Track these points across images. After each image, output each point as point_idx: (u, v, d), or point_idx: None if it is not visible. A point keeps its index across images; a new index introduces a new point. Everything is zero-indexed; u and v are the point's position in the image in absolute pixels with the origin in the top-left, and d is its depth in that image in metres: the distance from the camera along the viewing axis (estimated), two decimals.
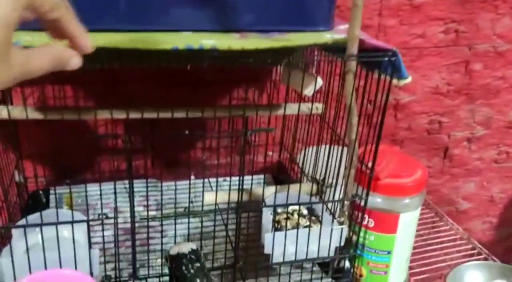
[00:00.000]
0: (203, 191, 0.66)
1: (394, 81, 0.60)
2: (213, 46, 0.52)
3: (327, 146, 0.70)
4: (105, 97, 0.89)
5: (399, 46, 1.04)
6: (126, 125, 0.88)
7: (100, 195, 0.59)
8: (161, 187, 0.66)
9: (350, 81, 0.60)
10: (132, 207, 0.59)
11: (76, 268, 0.59)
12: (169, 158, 0.99)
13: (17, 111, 0.62)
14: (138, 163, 0.97)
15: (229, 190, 0.65)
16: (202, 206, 0.66)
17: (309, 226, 0.68)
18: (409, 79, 0.60)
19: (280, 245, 0.66)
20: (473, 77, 1.15)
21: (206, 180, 0.95)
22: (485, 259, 0.84)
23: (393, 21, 1.02)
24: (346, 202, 0.67)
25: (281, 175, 1.00)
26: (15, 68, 0.29)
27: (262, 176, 0.99)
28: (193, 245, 0.55)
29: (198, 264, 0.53)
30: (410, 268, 0.81)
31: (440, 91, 1.14)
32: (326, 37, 0.59)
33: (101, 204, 0.59)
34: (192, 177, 0.99)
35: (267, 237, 0.65)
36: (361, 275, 0.74)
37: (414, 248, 0.86)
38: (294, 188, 0.74)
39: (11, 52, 0.28)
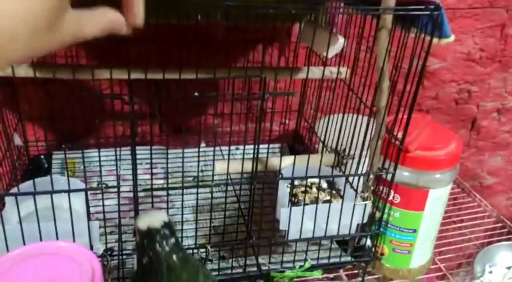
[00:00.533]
0: (214, 160, 0.60)
1: (435, 40, 0.52)
2: None
3: (350, 115, 0.63)
4: (108, 58, 0.82)
5: None
6: (132, 88, 0.81)
7: (99, 161, 0.54)
8: (167, 154, 0.60)
9: (384, 39, 0.53)
10: (134, 175, 0.53)
11: (74, 240, 0.54)
12: (178, 124, 0.93)
13: None
14: (145, 129, 0.92)
15: (243, 159, 0.59)
16: (213, 175, 0.60)
17: (329, 201, 0.62)
18: (452, 38, 0.52)
19: (297, 221, 0.60)
20: (508, 43, 1.06)
21: (217, 148, 0.89)
22: None
23: None
24: (371, 176, 0.61)
25: (297, 144, 0.93)
26: (66, 33, 0.26)
27: (277, 145, 0.93)
28: (164, 216, 0.48)
29: (173, 240, 0.48)
30: (435, 246, 0.75)
31: (472, 58, 1.05)
32: None
33: (101, 171, 0.53)
34: (203, 144, 0.93)
35: (283, 212, 0.60)
36: (382, 254, 0.69)
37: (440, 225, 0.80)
38: (312, 159, 0.68)
39: (65, 18, 0.25)
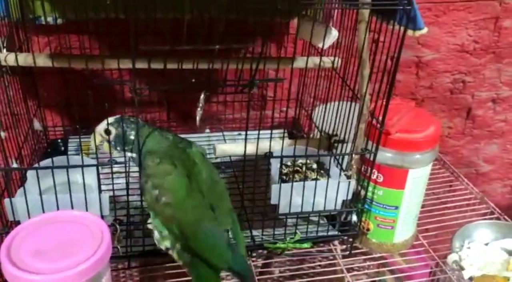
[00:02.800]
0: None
1: (410, 32, 0.58)
2: None
3: (343, 102, 0.69)
4: (118, 50, 0.89)
5: (424, 0, 1.00)
6: (141, 78, 0.88)
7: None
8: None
9: (362, 31, 0.58)
10: (139, 156, 0.60)
11: (87, 210, 0.61)
12: (184, 111, 0.99)
13: (22, 57, 0.62)
14: (154, 116, 0.99)
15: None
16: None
17: (316, 179, 0.68)
18: (425, 30, 0.57)
19: (287, 196, 0.67)
20: (502, 35, 1.10)
21: (220, 133, 0.96)
22: (497, 219, 0.83)
23: None
24: (354, 156, 0.67)
25: (296, 130, 1.00)
26: None
27: (276, 131, 0.99)
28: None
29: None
30: (420, 225, 0.80)
31: (466, 49, 1.09)
32: None
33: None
34: (207, 130, 1.00)
35: (274, 188, 0.66)
36: (368, 229, 0.75)
37: (427, 206, 0.86)
38: (304, 142, 0.74)
39: None
